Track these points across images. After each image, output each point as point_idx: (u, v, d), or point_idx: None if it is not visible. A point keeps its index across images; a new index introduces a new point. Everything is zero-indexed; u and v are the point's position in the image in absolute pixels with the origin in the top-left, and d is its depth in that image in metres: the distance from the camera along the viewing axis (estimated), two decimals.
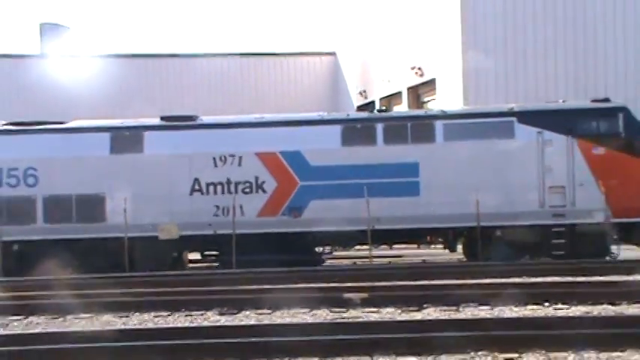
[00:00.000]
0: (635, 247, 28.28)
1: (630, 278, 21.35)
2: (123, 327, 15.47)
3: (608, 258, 27.24)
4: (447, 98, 40.34)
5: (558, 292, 17.96)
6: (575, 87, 33.68)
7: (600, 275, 22.12)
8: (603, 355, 11.80)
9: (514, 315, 15.84)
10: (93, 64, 55.20)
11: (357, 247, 30.66)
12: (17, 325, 16.08)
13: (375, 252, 30.00)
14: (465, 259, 29.18)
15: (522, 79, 37.46)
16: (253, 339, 12.79)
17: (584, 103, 29.54)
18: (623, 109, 28.44)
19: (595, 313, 15.85)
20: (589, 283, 20.13)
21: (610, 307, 16.54)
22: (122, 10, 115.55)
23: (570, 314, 15.74)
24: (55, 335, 13.72)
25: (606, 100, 29.25)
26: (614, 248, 27.73)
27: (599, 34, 39.43)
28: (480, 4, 39.59)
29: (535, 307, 16.74)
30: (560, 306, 16.70)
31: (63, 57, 56.02)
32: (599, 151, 27.84)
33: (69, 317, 16.90)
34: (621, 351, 12.02)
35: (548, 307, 16.75)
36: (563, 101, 30.36)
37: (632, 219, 27.38)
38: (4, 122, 30.12)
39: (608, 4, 39.97)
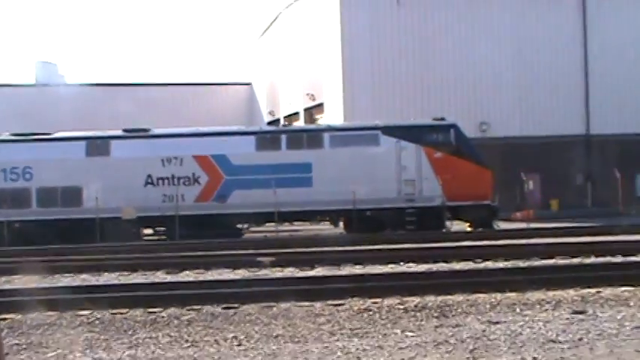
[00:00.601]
0: (461, 222, 29.16)
1: (457, 244, 21.84)
2: (96, 283, 15.59)
3: (444, 230, 28.06)
4: (332, 116, 40.33)
5: (410, 255, 18.31)
6: (422, 109, 34.14)
7: (439, 242, 22.72)
8: (440, 298, 12.04)
9: (380, 271, 16.07)
10: (71, 91, 55.58)
11: (267, 224, 30.79)
12: None
13: (280, 227, 30.30)
14: (344, 233, 29.47)
15: (386, 103, 37.54)
16: (191, 291, 12.81)
17: (427, 121, 30.24)
18: (454, 126, 29.41)
19: (434, 269, 16.29)
20: (432, 247, 20.61)
21: (444, 264, 16.99)
22: (95, 45, 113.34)
23: (418, 270, 16.09)
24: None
25: (442, 119, 30.03)
26: (447, 223, 28.59)
27: (442, 71, 39.52)
28: (356, 47, 39.37)
29: (394, 265, 17.04)
30: (410, 264, 17.00)
31: (50, 86, 56.44)
32: (438, 155, 28.77)
33: (56, 276, 16.82)
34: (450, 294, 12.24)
35: (403, 264, 17.07)
36: (414, 119, 30.96)
37: (460, 202, 28.18)
38: (6, 133, 30.11)
39: (449, 49, 39.95)
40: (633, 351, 8.24)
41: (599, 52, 41.66)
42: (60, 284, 15.27)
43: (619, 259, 16.76)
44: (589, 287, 12.25)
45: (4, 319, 10.70)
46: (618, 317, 10.01)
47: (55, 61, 66.81)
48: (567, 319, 10.02)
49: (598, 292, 11.95)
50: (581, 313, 10.38)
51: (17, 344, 9.58)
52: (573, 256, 17.25)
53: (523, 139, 39.33)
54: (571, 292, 11.94)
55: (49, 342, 9.71)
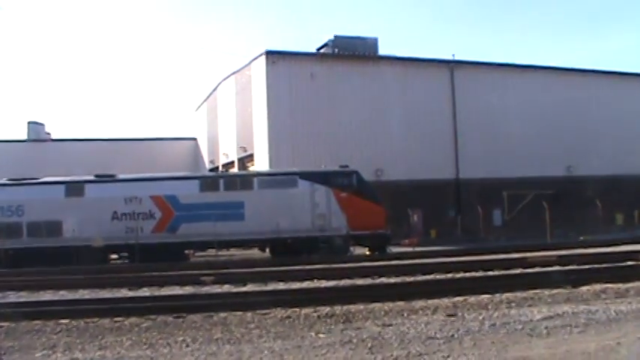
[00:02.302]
0: (362, 247, 29.24)
1: (358, 264, 22.20)
2: (72, 297, 15.35)
3: (348, 254, 28.19)
4: (260, 164, 40.10)
5: (322, 273, 18.47)
6: (331, 158, 34.20)
7: (344, 263, 22.96)
8: (345, 307, 12.16)
9: (299, 286, 16.12)
10: (55, 146, 56.85)
11: (209, 250, 30.51)
12: None
13: (220, 253, 30.07)
14: (270, 257, 29.29)
15: (303, 154, 37.40)
16: (148, 304, 12.71)
17: (335, 168, 30.31)
18: (356, 172, 29.74)
19: (341, 284, 16.38)
20: (339, 267, 20.76)
21: (348, 280, 17.09)
22: (75, 108, 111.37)
23: (328, 285, 16.12)
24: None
25: (346, 166, 30.27)
26: (351, 248, 28.83)
27: (346, 128, 39.75)
28: (279, 110, 39.21)
29: (309, 282, 17.06)
30: (322, 281, 17.04)
31: (39, 142, 57.10)
32: (344, 195, 28.97)
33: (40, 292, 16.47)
34: (353, 304, 12.44)
35: (316, 281, 17.05)
36: (324, 166, 31.11)
37: (360, 232, 28.41)
38: (4, 179, 29.68)
39: (352, 111, 40.18)
40: (490, 342, 8.54)
41: (465, 113, 42.57)
42: (43, 299, 14.95)
43: (480, 273, 17.17)
44: (459, 295, 12.57)
45: (1, 326, 10.45)
46: (480, 318, 10.29)
47: (43, 120, 66.44)
48: (443, 320, 10.24)
49: (465, 299, 12.25)
50: (453, 315, 10.64)
51: (11, 346, 9.54)
52: (447, 272, 17.62)
53: (408, 182, 39.72)
54: (445, 300, 12.20)
55: (37, 345, 9.61)
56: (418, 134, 41.51)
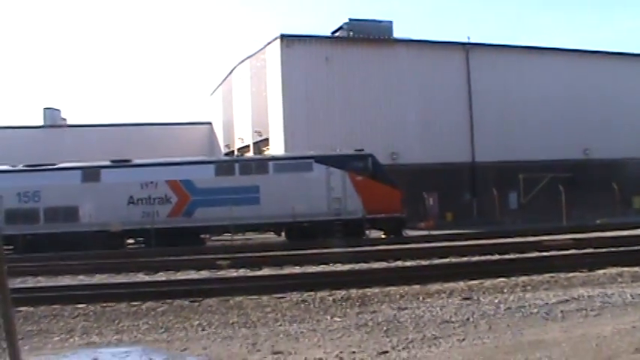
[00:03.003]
0: (377, 230, 29.17)
1: (374, 248, 22.06)
2: (89, 282, 15.43)
3: (364, 237, 28.06)
4: (276, 148, 40.17)
5: (337, 257, 18.37)
6: (346, 142, 34.08)
7: (360, 247, 22.82)
8: (361, 290, 12.22)
9: (313, 270, 16.15)
10: (70, 131, 56.74)
11: (225, 234, 30.56)
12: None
13: (235, 237, 30.10)
14: (286, 240, 29.22)
15: (318, 138, 37.18)
16: (165, 288, 12.76)
17: (350, 152, 30.24)
18: (371, 155, 29.57)
19: (356, 268, 16.33)
20: (354, 251, 20.67)
21: (364, 264, 17.00)
22: (92, 94, 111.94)
23: (344, 269, 16.08)
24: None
25: (362, 150, 30.17)
26: (367, 232, 28.73)
27: (361, 112, 39.66)
28: (294, 94, 39.12)
29: (324, 265, 17.08)
30: (337, 264, 16.95)
31: (53, 127, 57.22)
32: (359, 178, 28.82)
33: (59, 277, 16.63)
34: (368, 287, 12.44)
35: (331, 265, 17.01)
36: (340, 150, 30.99)
37: (376, 215, 28.27)
38: (21, 165, 29.75)
39: (367, 95, 40.08)
40: (505, 326, 8.51)
41: (481, 95, 42.32)
42: (61, 284, 15.07)
43: (496, 257, 17.12)
44: (474, 279, 12.54)
45: (20, 311, 10.56)
46: (495, 301, 10.27)
47: (58, 106, 66.99)
48: (458, 304, 10.23)
49: (481, 282, 12.23)
50: (468, 299, 10.62)
51: (30, 330, 9.56)
52: (463, 255, 17.57)
53: (424, 165, 39.58)
54: (461, 283, 12.18)
55: (55, 329, 9.67)
56: (434, 117, 41.35)
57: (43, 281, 15.89)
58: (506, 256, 17.03)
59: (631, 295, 10.31)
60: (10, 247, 25.91)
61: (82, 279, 16.19)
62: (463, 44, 43.42)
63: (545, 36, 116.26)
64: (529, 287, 11.58)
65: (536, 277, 12.54)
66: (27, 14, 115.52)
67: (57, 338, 9.06)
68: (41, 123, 58.49)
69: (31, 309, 11.14)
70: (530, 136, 42.63)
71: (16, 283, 14.76)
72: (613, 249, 17.17)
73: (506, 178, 40.90)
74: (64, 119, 60.99)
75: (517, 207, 41.24)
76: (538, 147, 42.32)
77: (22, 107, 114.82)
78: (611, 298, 10.15)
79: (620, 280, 12.20)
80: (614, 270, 13.24)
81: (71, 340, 8.94)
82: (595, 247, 17.88)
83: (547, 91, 43.65)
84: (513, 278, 12.51)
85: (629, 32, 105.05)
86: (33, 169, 29.33)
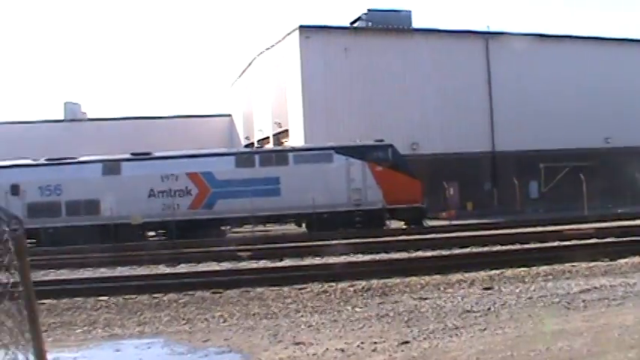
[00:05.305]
0: (398, 221, 29.12)
1: (394, 238, 22.01)
2: (111, 274, 15.52)
3: (384, 227, 28.04)
4: (295, 140, 40.06)
5: (358, 247, 18.38)
6: (366, 133, 33.91)
7: (381, 237, 22.75)
8: (382, 281, 12.21)
9: (333, 261, 16.07)
10: (91, 125, 57.09)
11: (245, 226, 30.53)
12: None
13: (256, 229, 30.15)
14: (306, 232, 29.06)
15: (338, 128, 37.17)
16: (186, 280, 12.80)
17: (370, 142, 30.14)
18: (391, 146, 29.45)
19: (377, 258, 16.24)
20: (375, 241, 20.62)
21: (385, 254, 17.01)
22: (111, 88, 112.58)
23: (365, 259, 16.10)
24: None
25: (381, 140, 29.99)
26: (387, 222, 28.65)
27: (381, 102, 39.33)
28: (314, 85, 38.97)
29: (345, 256, 16.98)
30: (358, 255, 17.00)
31: (74, 121, 57.46)
32: (379, 169, 28.71)
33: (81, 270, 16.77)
34: (389, 278, 12.43)
35: (352, 255, 16.97)
36: (359, 141, 30.84)
37: (396, 205, 28.18)
38: (42, 159, 29.91)
39: (387, 86, 39.77)
40: (527, 316, 8.45)
41: (500, 84, 41.92)
42: (83, 276, 15.22)
43: (517, 246, 17.02)
44: (495, 269, 12.47)
45: (43, 303, 10.65)
46: (517, 291, 10.21)
47: (78, 100, 67.33)
48: (479, 294, 10.19)
49: (502, 272, 12.16)
50: (489, 289, 10.57)
51: (53, 323, 9.63)
52: (484, 245, 17.49)
53: (444, 155, 39.36)
54: (482, 273, 12.13)
55: (77, 321, 9.74)
56: (453, 107, 40.97)
57: (65, 274, 16.00)
58: (527, 246, 16.94)
59: None
60: (33, 240, 26.09)
61: (104, 271, 16.28)
62: (482, 33, 43.03)
63: (565, 24, 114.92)
64: (550, 277, 11.50)
65: (557, 267, 12.43)
66: (47, 9, 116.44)
67: (80, 330, 9.14)
68: (62, 117, 58.76)
69: (54, 301, 11.22)
70: (551, 124, 42.08)
71: (39, 275, 14.93)
72: (635, 238, 17.00)
73: (526, 167, 40.53)
74: (84, 113, 61.26)
75: (538, 196, 40.92)
76: (558, 136, 41.78)
77: (42, 102, 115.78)
78: (634, 288, 10.04)
79: None
80: (636, 259, 13.11)
81: (94, 332, 9.02)
82: (617, 237, 17.72)
83: (567, 79, 43.04)
84: (534, 268, 12.42)
85: None
86: (54, 162, 29.48)
